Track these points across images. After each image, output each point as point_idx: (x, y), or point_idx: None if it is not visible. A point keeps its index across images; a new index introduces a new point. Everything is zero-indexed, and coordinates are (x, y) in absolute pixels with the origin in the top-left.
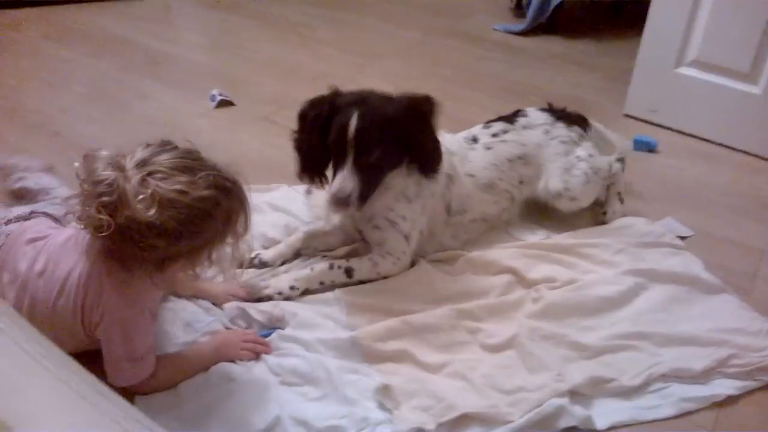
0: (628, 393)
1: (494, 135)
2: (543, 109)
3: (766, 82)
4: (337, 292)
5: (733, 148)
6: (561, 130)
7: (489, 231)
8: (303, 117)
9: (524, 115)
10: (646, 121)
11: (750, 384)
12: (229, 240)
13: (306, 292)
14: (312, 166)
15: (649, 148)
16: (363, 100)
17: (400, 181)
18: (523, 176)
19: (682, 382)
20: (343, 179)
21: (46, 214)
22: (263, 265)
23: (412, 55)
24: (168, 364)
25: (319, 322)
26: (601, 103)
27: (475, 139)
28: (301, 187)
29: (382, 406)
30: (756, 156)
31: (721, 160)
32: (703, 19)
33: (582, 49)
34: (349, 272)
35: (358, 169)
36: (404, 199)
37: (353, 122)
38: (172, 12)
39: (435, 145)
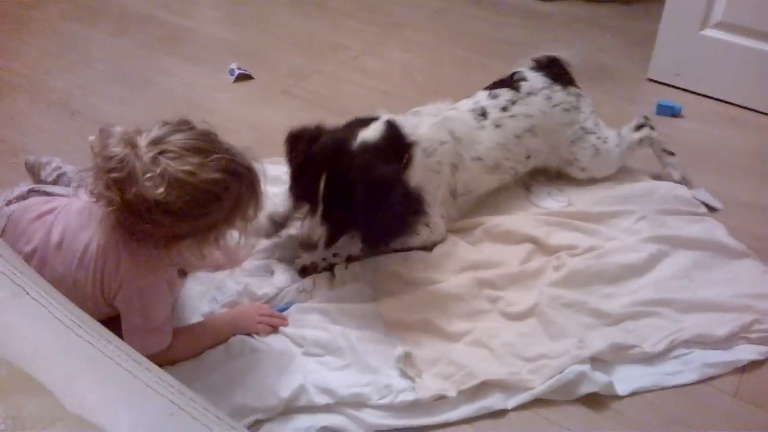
0: (650, 359)
1: (503, 109)
2: (534, 69)
3: None
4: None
5: (760, 111)
6: (560, 94)
7: (509, 197)
8: (288, 145)
9: (525, 79)
10: (670, 85)
11: None
12: (238, 224)
13: (349, 258)
14: (297, 192)
15: (673, 112)
16: (334, 160)
17: None
18: (530, 150)
19: (704, 347)
20: (311, 228)
21: (40, 192)
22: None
23: (432, 24)
24: (184, 335)
25: (342, 294)
26: (624, 68)
27: (484, 114)
28: None
29: (404, 374)
30: None
31: (747, 124)
32: None
33: (605, 13)
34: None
35: (326, 219)
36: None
37: (322, 183)
38: None
39: (387, 222)
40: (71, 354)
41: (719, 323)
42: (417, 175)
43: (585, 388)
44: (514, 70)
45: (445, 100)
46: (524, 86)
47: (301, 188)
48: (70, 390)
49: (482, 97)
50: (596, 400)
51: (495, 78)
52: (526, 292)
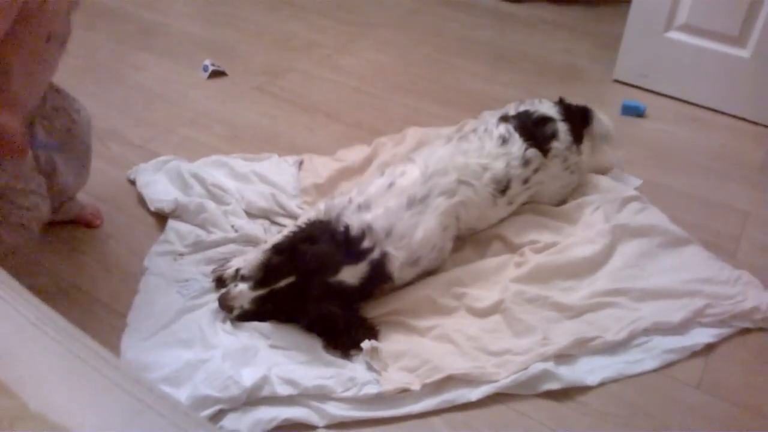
0: (613, 348)
1: (525, 182)
2: (563, 118)
3: (755, 46)
4: None
5: (722, 112)
6: (574, 156)
7: None
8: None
9: (556, 137)
10: (635, 86)
11: (725, 331)
12: None
13: None
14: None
15: (638, 113)
16: (311, 275)
17: None
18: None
19: (663, 334)
20: (240, 295)
21: None
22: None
23: (405, 24)
24: None
25: None
26: (591, 69)
27: (504, 190)
28: (292, 158)
29: (370, 368)
30: (744, 119)
31: (710, 124)
32: None
33: (573, 15)
34: None
35: (260, 302)
36: None
37: (285, 281)
38: None
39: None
40: (36, 351)
41: (673, 309)
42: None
43: (550, 385)
44: (548, 116)
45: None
46: (554, 148)
47: (268, 264)
48: (33, 389)
49: (515, 158)
50: (563, 392)
51: (465, 77)
52: (491, 287)
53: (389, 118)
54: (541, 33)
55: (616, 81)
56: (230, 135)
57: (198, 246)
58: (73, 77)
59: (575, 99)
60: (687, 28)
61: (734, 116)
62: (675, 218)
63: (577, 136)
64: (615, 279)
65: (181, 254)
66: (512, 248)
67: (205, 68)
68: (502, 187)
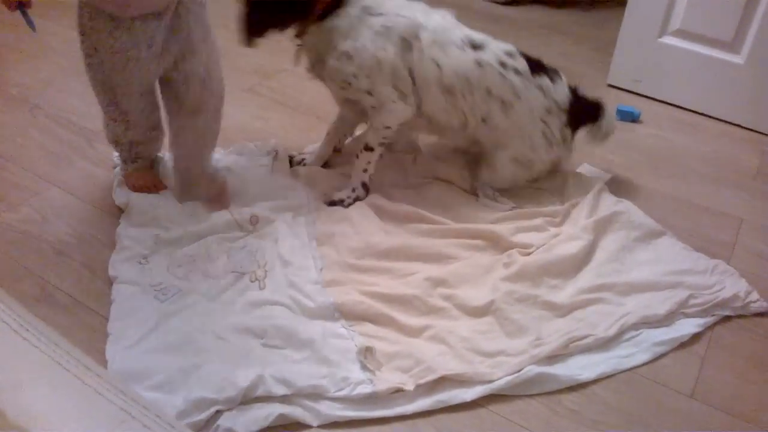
0: (605, 344)
1: (503, 64)
2: (570, 88)
3: (749, 51)
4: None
5: (716, 118)
6: (557, 123)
7: (458, 201)
8: None
9: (553, 80)
10: (629, 92)
11: (709, 320)
12: None
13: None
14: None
15: (632, 118)
16: None
17: (325, 37)
18: (491, 118)
19: (651, 327)
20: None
21: None
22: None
23: None
24: None
25: (294, 261)
26: (586, 73)
27: (476, 47)
28: (266, 147)
29: (364, 368)
30: (738, 126)
31: (704, 130)
32: None
33: (568, 19)
34: (368, 147)
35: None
36: (345, 57)
37: None
38: None
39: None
40: (16, 358)
41: (658, 302)
42: (344, 24)
43: (545, 386)
44: (559, 74)
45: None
46: (545, 81)
47: None
48: (13, 397)
49: (496, 43)
50: (555, 399)
51: None
52: (480, 288)
53: None
54: (536, 36)
55: (611, 86)
56: (222, 137)
57: (159, 245)
58: (62, 77)
59: None
60: (681, 34)
61: (729, 122)
62: (669, 224)
63: (574, 122)
64: (599, 274)
65: (145, 257)
66: (499, 248)
67: None
68: (472, 43)
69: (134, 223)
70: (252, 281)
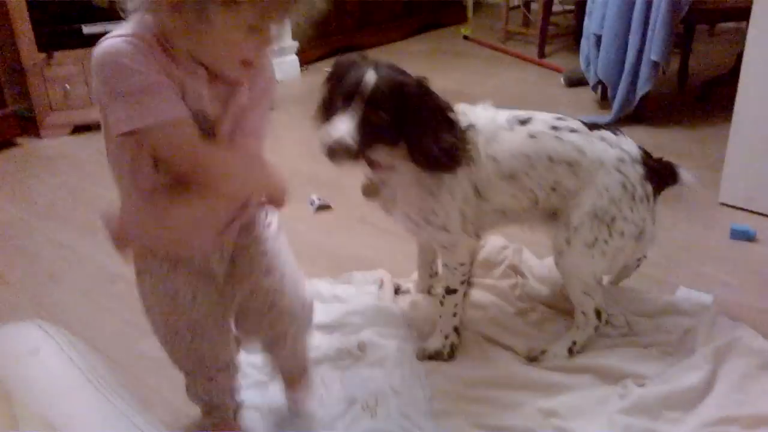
0: None
1: (555, 128)
2: (640, 147)
3: None
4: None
5: None
6: (634, 175)
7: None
8: (330, 73)
9: (614, 132)
10: (743, 209)
11: None
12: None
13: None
14: (325, 112)
15: (747, 237)
16: (380, 65)
17: (415, 175)
18: (559, 184)
19: None
20: (343, 125)
21: None
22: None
23: None
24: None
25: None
26: (695, 192)
27: (525, 121)
28: (372, 276)
29: None
30: None
31: None
32: None
33: (671, 138)
34: (450, 290)
35: (361, 123)
36: (428, 194)
37: (367, 75)
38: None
39: (436, 133)
40: (80, 398)
41: None
42: None
43: None
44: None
45: None
46: (605, 133)
47: (334, 91)
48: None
49: (541, 114)
50: None
51: None
52: (595, 421)
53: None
54: None
55: (723, 204)
56: (335, 266)
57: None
58: None
59: (682, 222)
60: None
61: None
62: None
63: (654, 180)
64: (721, 406)
65: (265, 382)
66: (612, 378)
67: (312, 203)
68: (520, 120)
69: None
70: (363, 410)
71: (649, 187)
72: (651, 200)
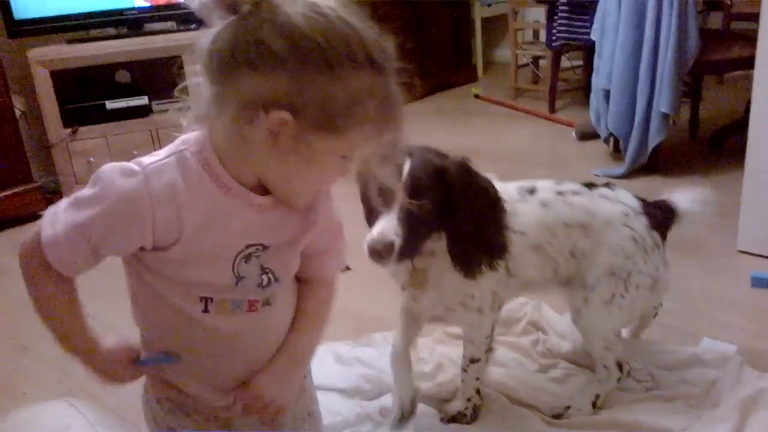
0: None
1: (560, 193)
2: (636, 196)
3: None
4: None
5: None
6: (641, 226)
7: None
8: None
9: (609, 188)
10: (762, 256)
11: None
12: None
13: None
14: (369, 215)
15: None
16: (416, 151)
17: None
18: (576, 248)
19: None
20: (386, 225)
21: None
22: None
23: None
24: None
25: None
26: (713, 240)
27: (532, 191)
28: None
29: None
30: None
31: None
32: None
33: (686, 187)
34: (474, 360)
35: (405, 217)
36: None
37: (405, 169)
38: None
39: (482, 222)
40: None
41: None
42: None
43: None
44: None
45: None
46: (602, 190)
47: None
48: None
49: (541, 182)
50: None
51: None
52: None
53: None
54: None
55: (741, 251)
56: (354, 327)
57: None
58: None
59: (700, 272)
60: None
61: None
62: None
63: (657, 225)
64: None
65: None
66: None
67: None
68: (528, 189)
69: None
70: None
71: (656, 235)
72: (661, 248)
